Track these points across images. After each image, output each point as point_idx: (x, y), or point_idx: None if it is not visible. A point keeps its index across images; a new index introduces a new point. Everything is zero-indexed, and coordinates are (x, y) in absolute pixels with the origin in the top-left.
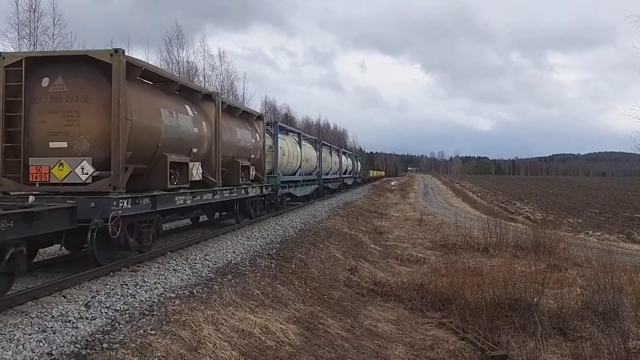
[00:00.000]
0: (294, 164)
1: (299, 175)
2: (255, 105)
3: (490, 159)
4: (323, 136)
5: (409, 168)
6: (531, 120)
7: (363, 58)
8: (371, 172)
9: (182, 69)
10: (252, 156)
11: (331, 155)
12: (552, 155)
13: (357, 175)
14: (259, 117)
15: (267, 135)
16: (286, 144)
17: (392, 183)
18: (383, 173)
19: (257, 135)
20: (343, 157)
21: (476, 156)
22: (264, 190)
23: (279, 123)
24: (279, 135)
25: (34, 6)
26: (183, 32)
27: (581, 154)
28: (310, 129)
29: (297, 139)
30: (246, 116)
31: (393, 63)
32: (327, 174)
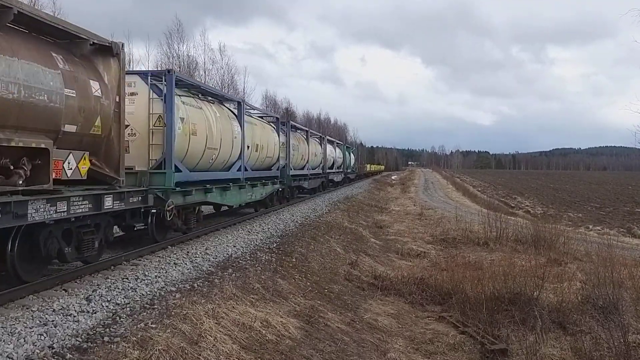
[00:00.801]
0: (224, 152)
1: (238, 170)
2: (255, 100)
3: (491, 153)
4: (324, 130)
5: (409, 162)
6: (532, 114)
7: (363, 52)
8: (368, 166)
9: (182, 63)
10: (71, 128)
11: (308, 144)
12: (553, 149)
13: (349, 170)
14: (105, 49)
15: (156, 95)
16: (202, 115)
17: (393, 177)
18: (382, 167)
19: (99, 85)
20: (329, 148)
21: (477, 150)
22: (108, 202)
23: (177, 73)
24: (179, 95)
25: None
26: (183, 25)
27: (582, 148)
28: (311, 123)
29: (234, 113)
30: (59, 43)
31: (393, 57)
32: (303, 168)
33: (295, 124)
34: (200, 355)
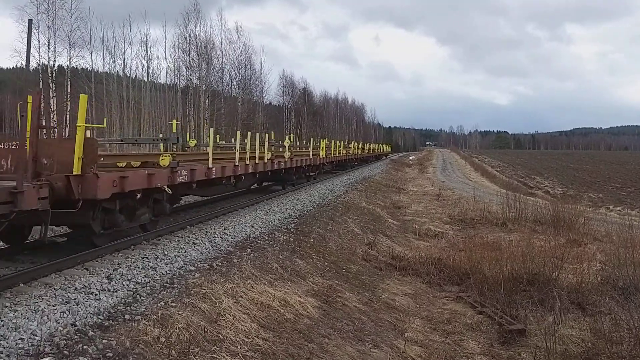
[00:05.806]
0: None
1: None
2: (272, 79)
3: (510, 133)
4: (341, 111)
5: (427, 143)
6: (548, 94)
7: (377, 31)
8: (353, 145)
9: (199, 44)
10: None
11: None
12: (573, 129)
13: None
14: None
15: None
16: None
17: (411, 158)
18: (389, 148)
19: None
20: None
21: (495, 130)
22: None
23: None
24: None
25: None
26: (200, 5)
27: (603, 127)
28: (329, 103)
29: None
30: None
31: (407, 36)
32: None
33: None
34: (219, 333)
